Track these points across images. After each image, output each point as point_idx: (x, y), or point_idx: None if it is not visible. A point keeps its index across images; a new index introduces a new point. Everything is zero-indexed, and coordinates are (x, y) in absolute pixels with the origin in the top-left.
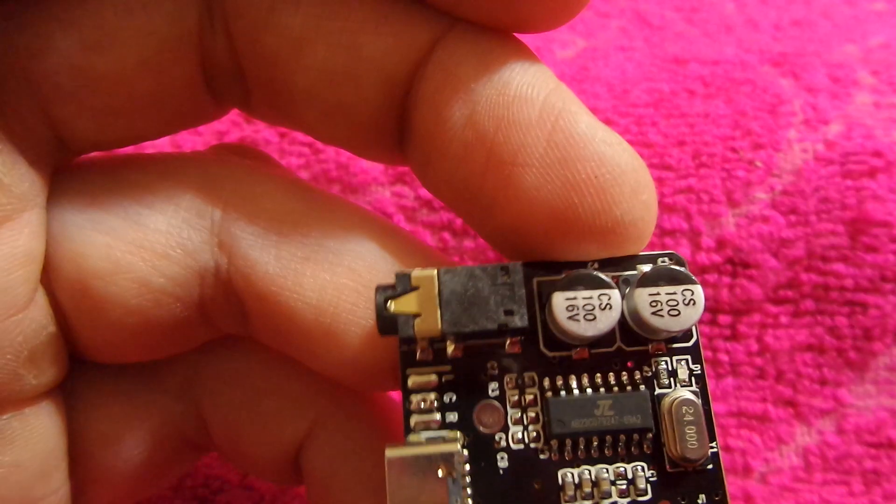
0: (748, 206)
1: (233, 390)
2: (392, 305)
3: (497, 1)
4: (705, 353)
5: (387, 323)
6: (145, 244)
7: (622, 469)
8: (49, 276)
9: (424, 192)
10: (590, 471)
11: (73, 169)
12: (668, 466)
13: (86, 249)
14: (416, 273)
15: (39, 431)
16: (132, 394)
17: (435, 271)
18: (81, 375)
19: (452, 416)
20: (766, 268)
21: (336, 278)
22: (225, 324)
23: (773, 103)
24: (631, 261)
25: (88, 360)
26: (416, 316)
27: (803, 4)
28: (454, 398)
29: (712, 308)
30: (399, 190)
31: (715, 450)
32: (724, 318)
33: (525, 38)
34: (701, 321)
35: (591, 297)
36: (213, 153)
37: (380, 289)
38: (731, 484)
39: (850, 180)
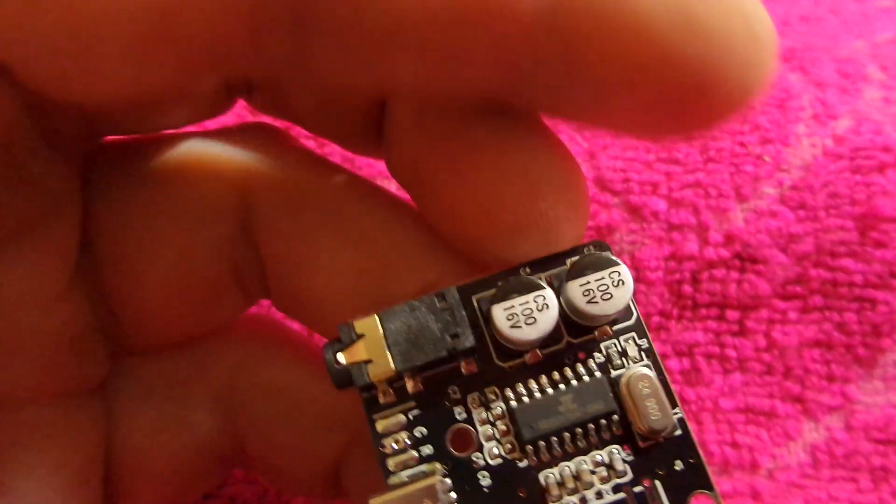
0: (756, 200)
1: (269, 404)
2: (342, 358)
3: None
4: (712, 349)
5: (341, 376)
6: (180, 214)
7: (599, 456)
8: (89, 258)
9: None
10: (569, 466)
11: (103, 150)
12: (640, 443)
13: (126, 225)
14: (358, 322)
15: (81, 431)
16: (165, 409)
17: (375, 316)
18: (115, 390)
19: (428, 449)
20: (775, 263)
21: (346, 245)
22: (256, 291)
23: (781, 98)
24: (559, 257)
25: (129, 349)
26: (367, 362)
27: (811, 0)
28: (425, 431)
29: (720, 303)
30: None
31: (679, 415)
32: (731, 314)
33: None
34: (709, 317)
35: (527, 302)
36: (238, 129)
37: (327, 345)
38: (739, 480)
39: (860, 175)
